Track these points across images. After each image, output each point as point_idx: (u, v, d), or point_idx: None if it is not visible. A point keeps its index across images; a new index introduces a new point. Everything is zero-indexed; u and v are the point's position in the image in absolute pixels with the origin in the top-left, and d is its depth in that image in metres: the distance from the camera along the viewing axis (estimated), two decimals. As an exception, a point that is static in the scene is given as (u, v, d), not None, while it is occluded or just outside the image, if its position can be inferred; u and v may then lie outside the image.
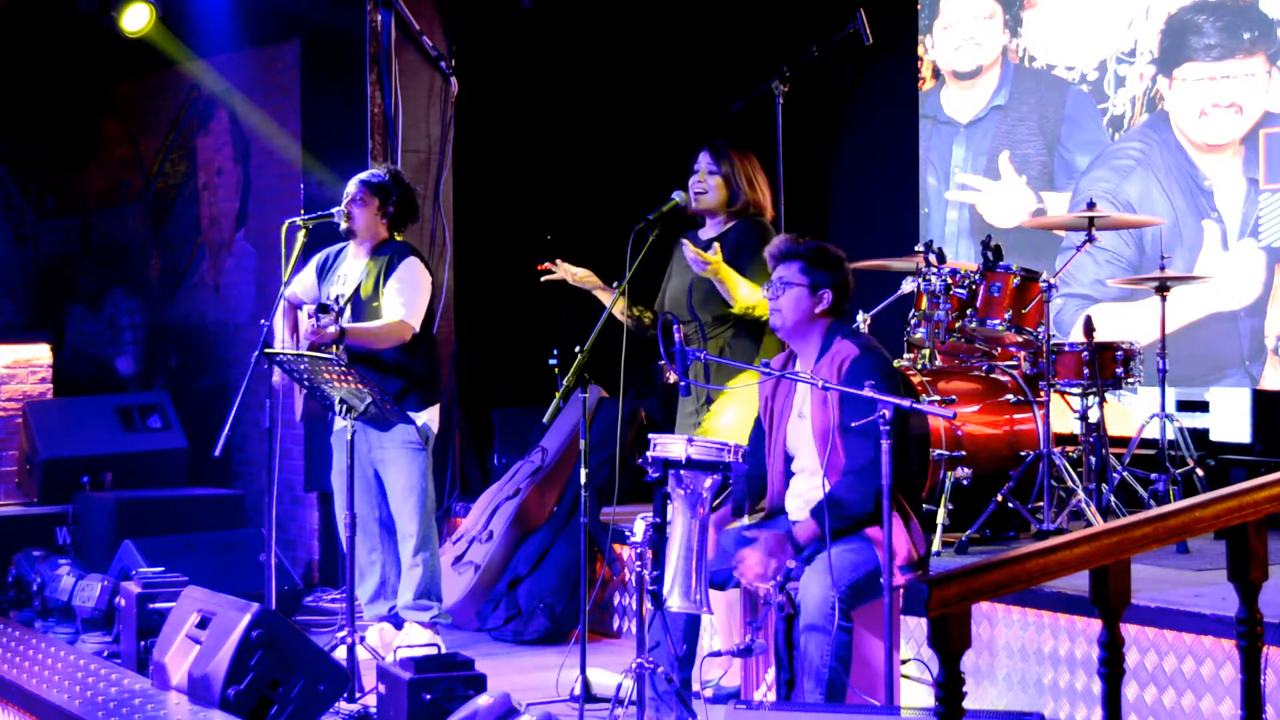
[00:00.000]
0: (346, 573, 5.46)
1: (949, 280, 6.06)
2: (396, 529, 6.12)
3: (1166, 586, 4.91)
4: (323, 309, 5.67)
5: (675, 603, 4.37)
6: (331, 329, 5.66)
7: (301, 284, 6.22)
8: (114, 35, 8.15)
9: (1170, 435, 6.32)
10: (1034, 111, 7.73)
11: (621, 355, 5.38)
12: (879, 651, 4.41)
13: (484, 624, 6.51)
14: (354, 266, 6.12)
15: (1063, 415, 6.23)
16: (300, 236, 5.69)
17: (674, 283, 5.56)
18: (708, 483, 4.39)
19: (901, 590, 4.14)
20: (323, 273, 6.21)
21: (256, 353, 5.50)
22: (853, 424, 4.37)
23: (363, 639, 5.37)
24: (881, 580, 4.37)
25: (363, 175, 6.17)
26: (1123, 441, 6.61)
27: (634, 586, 4.46)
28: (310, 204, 7.46)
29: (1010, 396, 6.19)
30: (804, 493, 4.63)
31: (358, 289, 6.02)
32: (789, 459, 4.70)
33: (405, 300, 5.93)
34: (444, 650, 4.93)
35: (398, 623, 6.22)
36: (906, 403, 4.22)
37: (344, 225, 6.03)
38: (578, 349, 5.20)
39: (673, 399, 5.95)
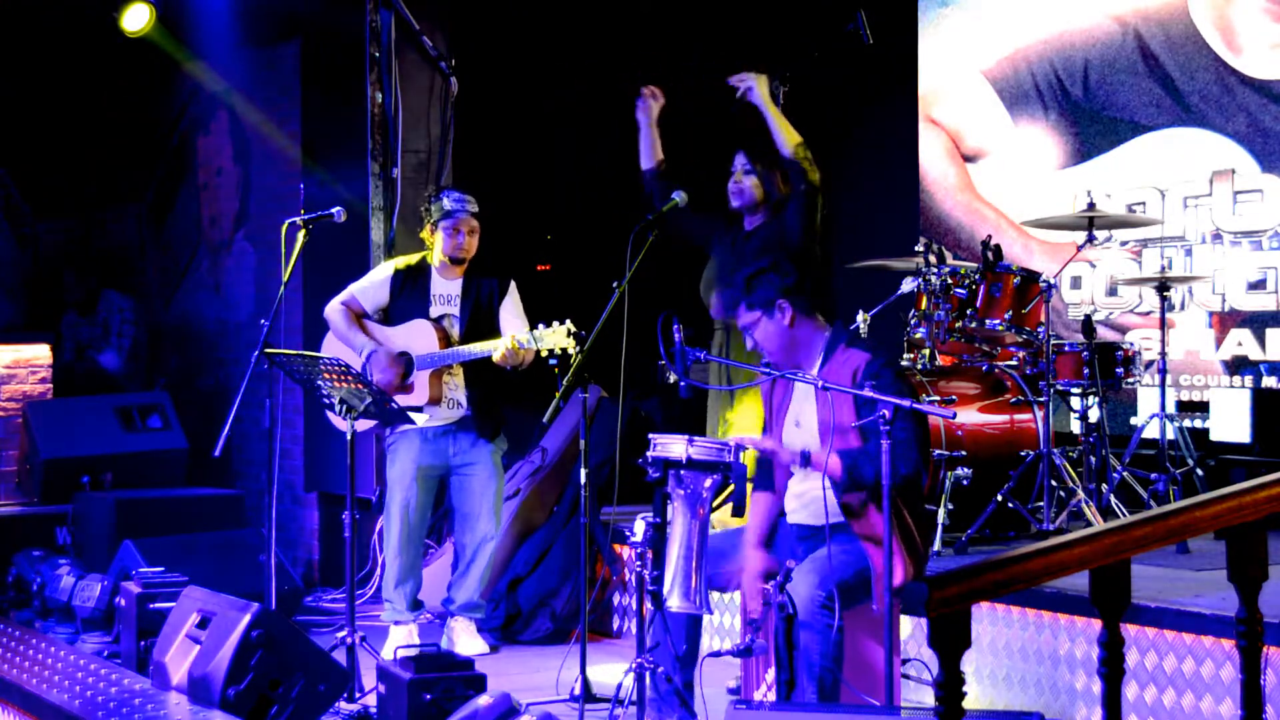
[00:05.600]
0: (346, 573, 5.46)
1: (949, 280, 6.07)
2: (469, 527, 6.30)
3: (1166, 586, 4.91)
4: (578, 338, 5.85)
5: (675, 603, 4.37)
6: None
7: (367, 295, 6.33)
8: (114, 35, 8.15)
9: (1170, 435, 6.32)
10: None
11: (621, 355, 5.39)
12: (879, 652, 4.41)
13: (484, 624, 6.51)
14: (450, 287, 6.28)
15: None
16: (300, 236, 5.70)
17: (713, 269, 5.85)
18: (708, 483, 4.39)
19: (899, 593, 4.15)
20: (399, 290, 6.28)
21: (256, 353, 5.50)
22: (863, 423, 4.36)
23: (363, 639, 5.37)
24: (869, 584, 4.37)
25: (464, 200, 6.28)
26: (1123, 441, 6.62)
27: (634, 586, 4.46)
28: (310, 204, 7.47)
29: (1010, 396, 6.19)
30: (802, 493, 4.64)
31: (471, 308, 6.22)
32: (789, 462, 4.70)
33: (523, 322, 6.24)
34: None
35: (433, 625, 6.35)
36: (906, 402, 4.23)
37: (457, 255, 6.22)
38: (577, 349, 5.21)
39: (673, 399, 5.97)
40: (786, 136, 5.68)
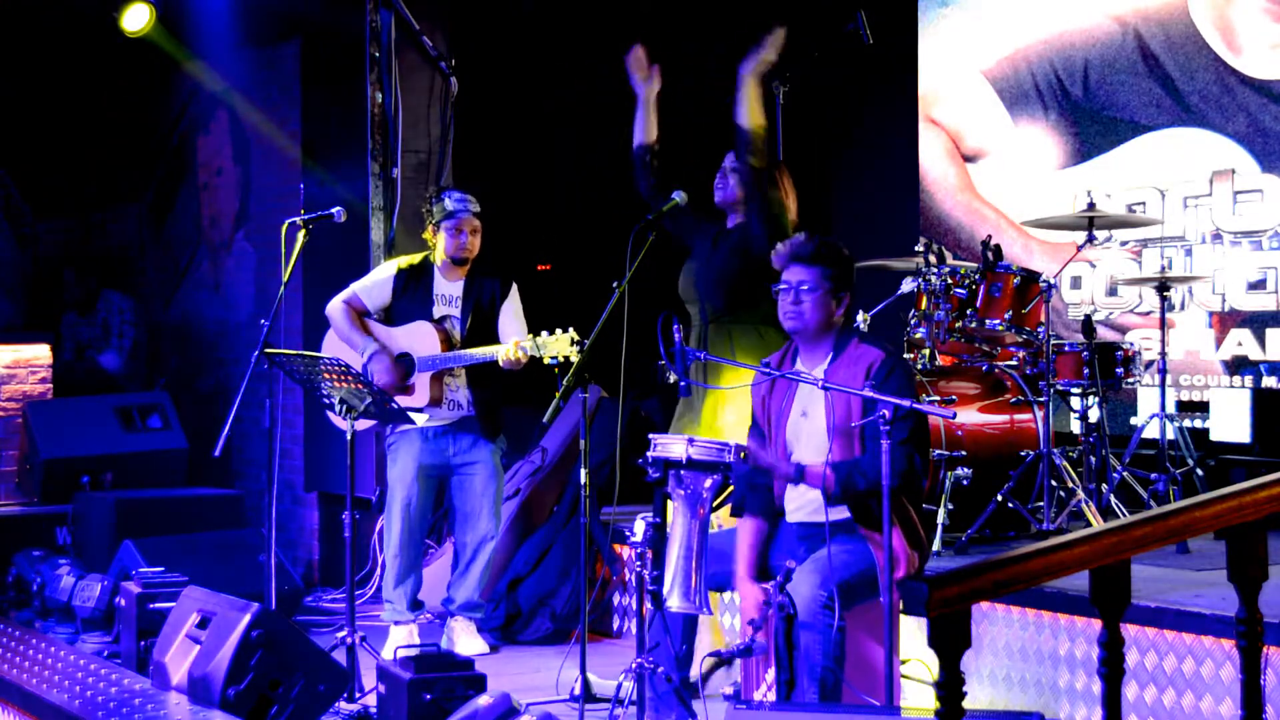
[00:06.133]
0: (346, 573, 5.46)
1: (949, 280, 6.07)
2: (469, 527, 6.32)
3: (1166, 586, 4.91)
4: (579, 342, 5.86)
5: (675, 603, 4.37)
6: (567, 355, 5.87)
7: (370, 294, 6.34)
8: (114, 35, 8.16)
9: (1170, 435, 6.32)
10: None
11: (621, 355, 5.39)
12: (879, 652, 4.41)
13: (484, 624, 6.51)
14: (452, 288, 6.29)
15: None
16: (300, 236, 5.70)
17: (691, 265, 5.77)
18: (708, 483, 4.39)
19: (900, 590, 4.15)
20: (402, 290, 6.29)
21: (256, 353, 5.51)
22: (865, 422, 4.37)
23: (363, 639, 5.37)
24: (876, 581, 4.37)
25: (466, 200, 6.28)
26: (1123, 441, 6.62)
27: (634, 586, 4.46)
28: (310, 204, 7.47)
29: (1010, 396, 6.19)
30: (803, 492, 4.64)
31: (472, 310, 6.23)
32: (788, 456, 4.70)
33: (523, 324, 6.27)
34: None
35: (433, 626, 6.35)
36: (906, 402, 4.24)
37: (460, 255, 6.23)
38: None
39: (673, 399, 5.97)
40: (750, 113, 5.64)
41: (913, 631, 5.24)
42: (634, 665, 4.46)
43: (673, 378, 4.72)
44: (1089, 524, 5.67)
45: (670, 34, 8.43)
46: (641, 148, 5.93)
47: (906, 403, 4.24)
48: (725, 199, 5.73)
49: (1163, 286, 6.29)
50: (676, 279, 6.01)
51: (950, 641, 2.77)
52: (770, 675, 4.63)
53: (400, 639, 6.13)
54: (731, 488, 4.83)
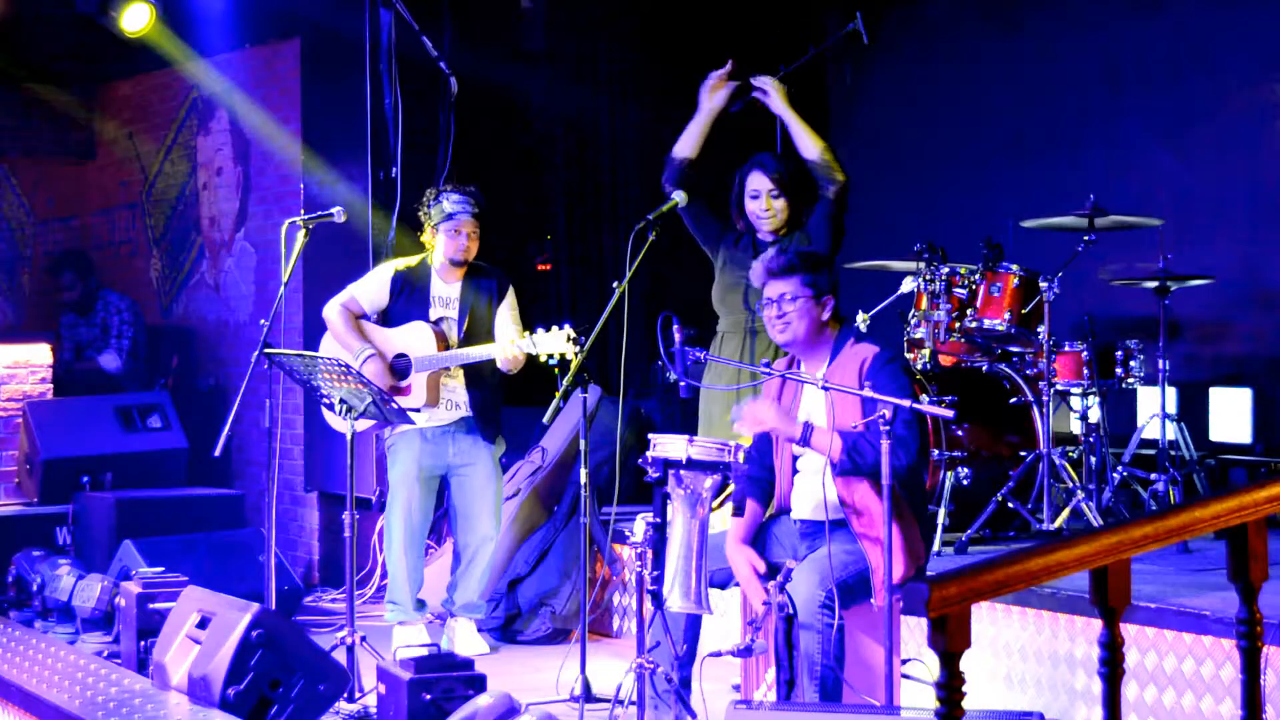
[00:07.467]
0: (346, 573, 5.46)
1: (949, 280, 6.07)
2: (469, 527, 6.32)
3: (1166, 587, 4.91)
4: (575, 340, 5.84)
5: (675, 603, 4.37)
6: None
7: (367, 297, 6.34)
8: (114, 35, 8.15)
9: (1170, 435, 6.32)
10: None
11: (621, 355, 5.39)
12: (879, 652, 4.41)
13: (484, 624, 6.51)
14: (449, 290, 6.29)
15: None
16: (300, 236, 5.69)
17: (734, 275, 5.59)
18: (708, 483, 4.39)
19: (901, 590, 4.15)
20: (399, 292, 6.30)
21: (256, 353, 5.50)
22: (867, 421, 4.37)
23: (363, 639, 5.37)
24: (873, 581, 4.38)
25: (465, 200, 6.25)
26: (1123, 441, 6.62)
27: (634, 586, 4.46)
28: (310, 204, 7.47)
29: (1010, 396, 6.19)
30: (810, 488, 4.64)
31: (469, 312, 6.24)
32: (794, 458, 4.71)
33: (518, 326, 6.25)
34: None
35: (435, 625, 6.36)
36: (906, 403, 4.24)
37: (458, 258, 6.23)
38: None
39: (673, 399, 5.97)
40: (812, 141, 5.55)
41: (913, 631, 5.24)
42: (634, 665, 4.46)
43: (673, 377, 4.72)
44: (1089, 524, 5.67)
45: (668, 36, 8.44)
46: (683, 158, 5.78)
47: (907, 403, 4.24)
48: (776, 225, 5.55)
49: (1163, 286, 6.29)
50: (676, 279, 6.01)
51: (950, 641, 2.77)
52: (770, 675, 4.63)
53: (407, 638, 6.11)
54: (731, 487, 4.84)
